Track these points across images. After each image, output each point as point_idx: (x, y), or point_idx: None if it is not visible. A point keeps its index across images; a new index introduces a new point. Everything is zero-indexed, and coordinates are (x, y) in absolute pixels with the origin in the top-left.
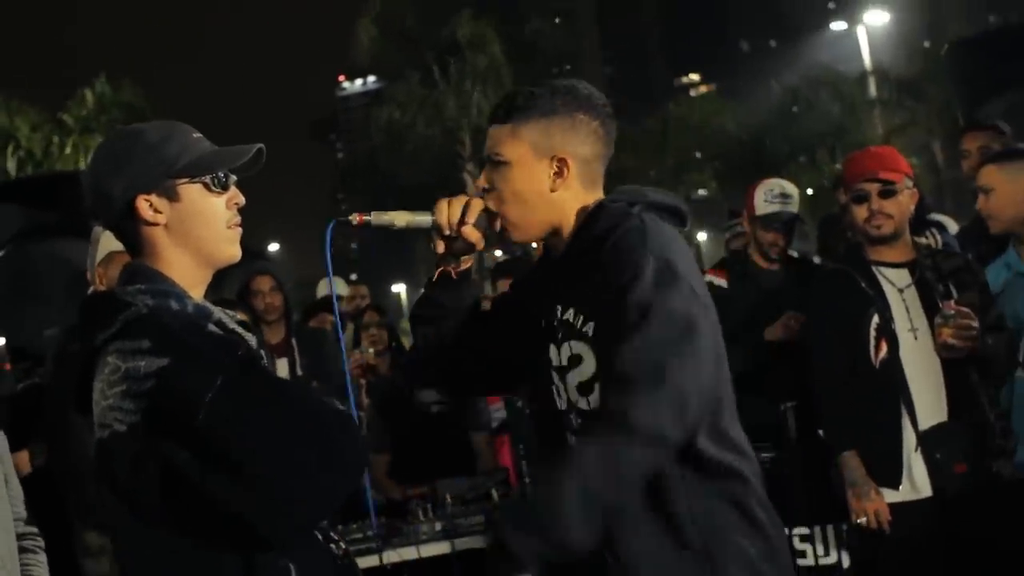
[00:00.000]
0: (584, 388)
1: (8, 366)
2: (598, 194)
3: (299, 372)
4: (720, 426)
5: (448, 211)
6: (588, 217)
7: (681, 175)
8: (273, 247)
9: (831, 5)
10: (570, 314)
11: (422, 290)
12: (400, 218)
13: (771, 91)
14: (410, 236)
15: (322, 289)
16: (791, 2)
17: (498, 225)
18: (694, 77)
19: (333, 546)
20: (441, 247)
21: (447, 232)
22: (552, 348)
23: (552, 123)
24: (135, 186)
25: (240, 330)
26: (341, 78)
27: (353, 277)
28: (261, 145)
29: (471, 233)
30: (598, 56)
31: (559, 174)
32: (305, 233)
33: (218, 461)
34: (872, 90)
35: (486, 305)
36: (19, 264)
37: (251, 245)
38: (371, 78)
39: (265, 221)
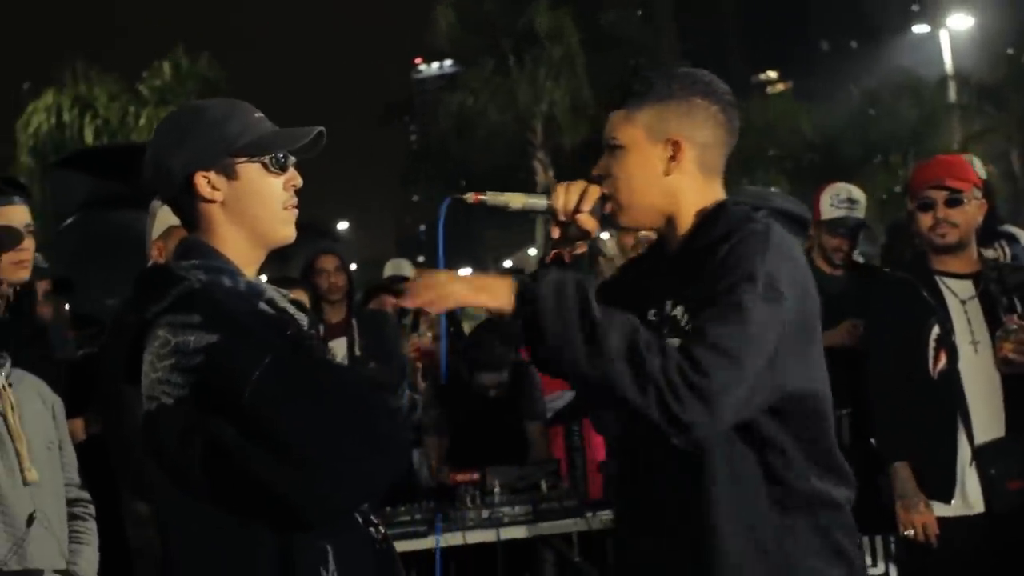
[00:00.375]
0: None
1: (72, 333)
2: (716, 184)
3: (357, 353)
4: (822, 447)
5: (565, 196)
6: (707, 217)
7: (752, 172)
8: (342, 226)
9: (914, 7)
10: (679, 311)
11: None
12: (516, 200)
13: (849, 93)
14: (479, 222)
15: (389, 269)
16: (873, 2)
17: (608, 209)
18: (771, 74)
19: (372, 530)
20: (556, 232)
21: (562, 218)
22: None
23: (667, 107)
24: (194, 162)
25: (292, 309)
26: (418, 61)
27: (420, 259)
28: (322, 128)
29: (587, 220)
30: (676, 49)
31: (673, 158)
32: (374, 214)
33: (262, 440)
34: (952, 95)
35: None
36: (87, 232)
37: (319, 223)
38: (447, 62)
39: (335, 200)
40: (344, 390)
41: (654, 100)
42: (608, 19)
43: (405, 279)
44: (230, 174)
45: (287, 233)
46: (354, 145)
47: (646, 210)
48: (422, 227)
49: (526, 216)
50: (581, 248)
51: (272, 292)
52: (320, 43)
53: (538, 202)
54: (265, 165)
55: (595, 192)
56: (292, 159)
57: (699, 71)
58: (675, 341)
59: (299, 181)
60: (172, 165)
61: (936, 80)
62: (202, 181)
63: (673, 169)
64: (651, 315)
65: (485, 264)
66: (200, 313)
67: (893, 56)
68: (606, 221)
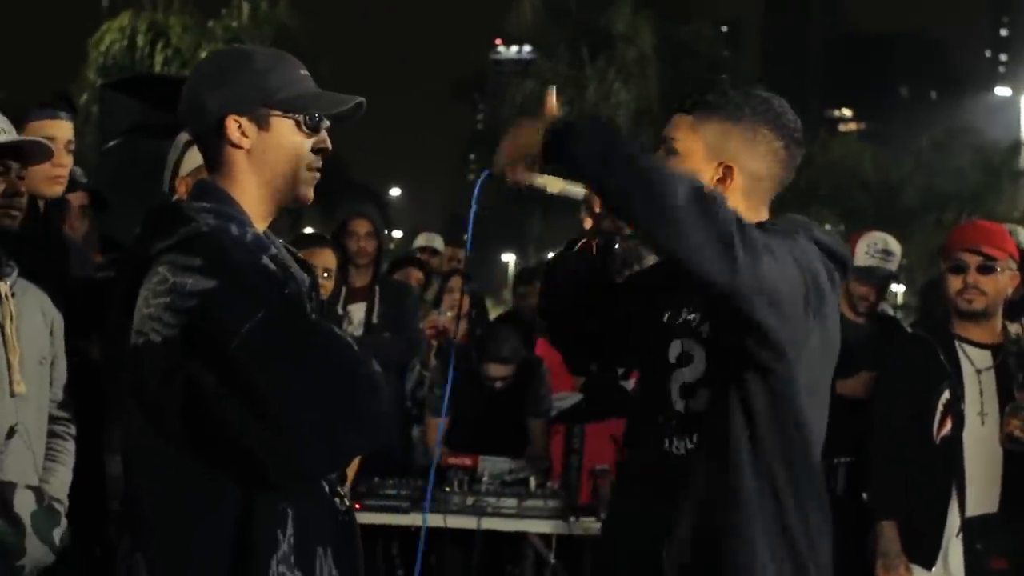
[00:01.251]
0: (686, 391)
1: (99, 256)
2: (762, 212)
3: (375, 320)
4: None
5: None
6: None
7: (806, 206)
8: (395, 192)
9: (1001, 69)
10: (694, 316)
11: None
12: (554, 184)
13: (919, 142)
14: (529, 210)
15: (420, 240)
16: (961, 58)
17: None
18: (846, 112)
19: (337, 500)
20: (588, 223)
21: (597, 209)
22: (673, 344)
23: (733, 129)
24: (229, 105)
25: (296, 269)
26: (498, 42)
27: (465, 237)
28: (362, 99)
29: None
30: (755, 71)
31: (722, 181)
32: (429, 185)
33: (241, 393)
34: (1022, 163)
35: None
36: (127, 157)
37: (373, 185)
38: (527, 48)
39: (394, 165)
40: (332, 358)
41: (723, 117)
42: (690, 29)
43: (436, 252)
44: (262, 124)
45: (306, 193)
46: (424, 116)
47: None
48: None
49: (567, 203)
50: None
51: (278, 248)
52: (408, 7)
53: (576, 190)
54: (298, 123)
55: None
56: (326, 123)
57: (775, 98)
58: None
59: (328, 145)
60: (207, 103)
61: (1008, 145)
62: (233, 124)
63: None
64: (666, 317)
65: (527, 254)
66: (202, 257)
67: (969, 114)
68: None
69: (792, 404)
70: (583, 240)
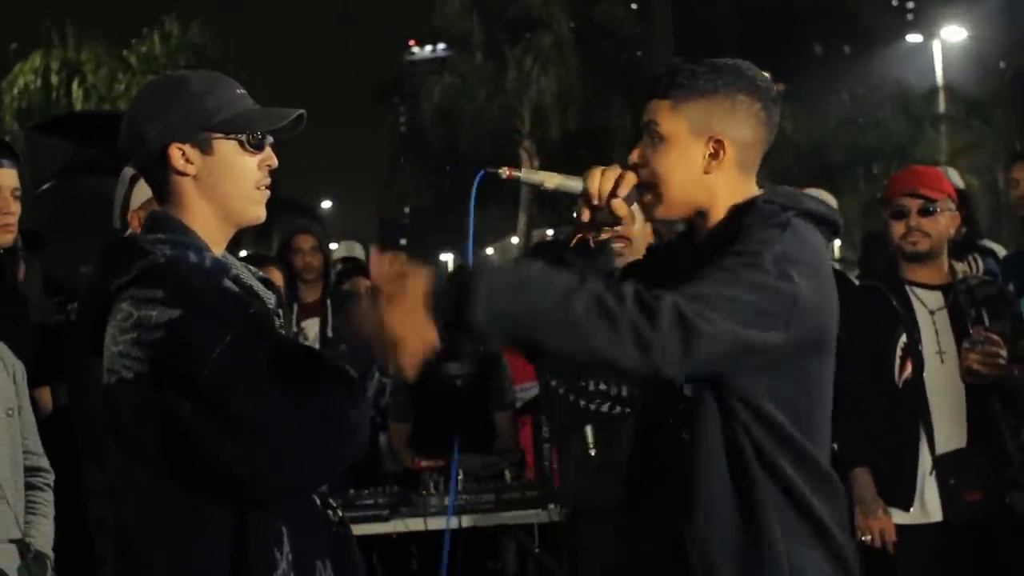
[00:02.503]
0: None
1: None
2: (751, 181)
3: (330, 334)
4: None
5: (600, 181)
6: (737, 212)
7: None
8: (326, 204)
9: (909, 17)
10: None
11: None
12: (551, 180)
13: (839, 99)
14: (464, 210)
15: (341, 251)
16: (869, 9)
17: (646, 199)
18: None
19: (330, 512)
20: (586, 215)
21: (596, 201)
22: None
23: (712, 103)
24: (170, 133)
25: (259, 287)
26: (411, 43)
27: (403, 242)
28: (302, 111)
29: (620, 207)
30: (669, 45)
31: (715, 156)
32: (359, 193)
33: (219, 418)
34: (941, 107)
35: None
36: (63, 198)
37: (304, 200)
38: (440, 45)
39: (321, 177)
40: (305, 371)
41: (699, 94)
42: (602, 10)
43: (356, 260)
44: (205, 149)
45: (258, 213)
46: (344, 124)
47: (683, 204)
48: (406, 209)
49: (504, 200)
50: (608, 234)
51: (239, 269)
52: (316, 17)
53: (573, 184)
54: (241, 143)
55: (631, 179)
56: (269, 139)
57: (742, 64)
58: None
59: (274, 162)
60: (148, 133)
61: (926, 91)
62: (176, 153)
63: (713, 168)
64: None
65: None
66: (163, 288)
67: (885, 65)
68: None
69: (782, 393)
70: (580, 235)
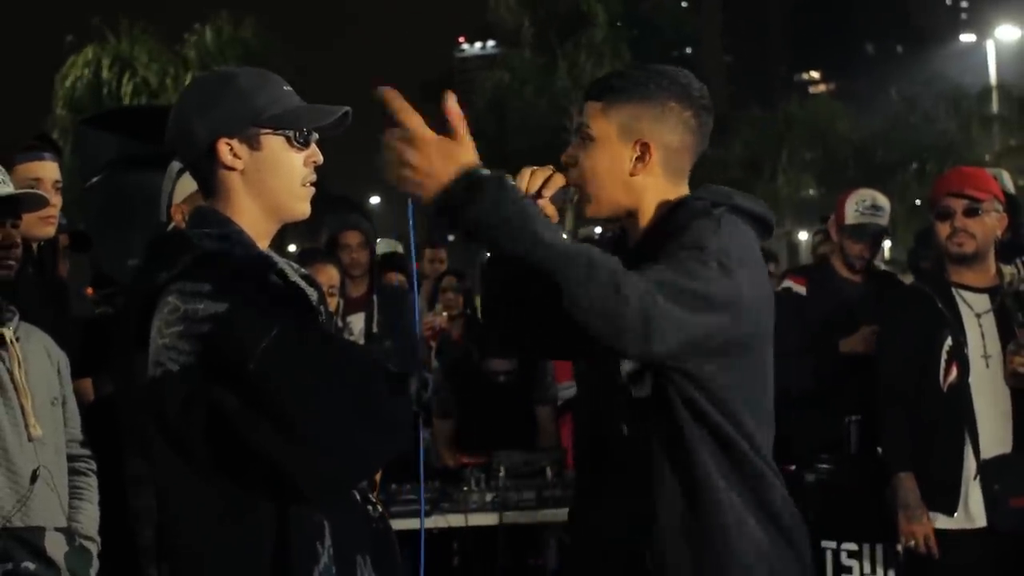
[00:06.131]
0: (634, 377)
1: (90, 290)
2: (682, 186)
3: (375, 329)
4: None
5: (529, 180)
6: (668, 212)
7: (788, 172)
8: (374, 200)
9: (963, 16)
10: None
11: None
12: None
13: (890, 98)
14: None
15: (382, 247)
16: (922, 8)
17: (575, 198)
18: (814, 75)
19: (370, 508)
20: None
21: None
22: None
23: (642, 107)
24: (219, 128)
25: (302, 283)
26: (461, 40)
27: (450, 238)
28: (348, 108)
29: (546, 206)
30: (719, 44)
31: (640, 159)
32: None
33: (264, 412)
34: (994, 107)
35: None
36: (111, 191)
37: (352, 196)
38: (490, 42)
39: (370, 174)
40: (349, 367)
41: (629, 98)
42: (650, 5)
43: (394, 256)
44: (253, 144)
45: (303, 209)
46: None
47: (610, 204)
48: None
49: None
50: None
51: (283, 265)
52: (367, 14)
53: None
54: (288, 139)
55: (559, 180)
56: (315, 136)
57: (679, 71)
58: None
59: (320, 158)
60: (196, 129)
61: (979, 91)
62: (224, 148)
63: (639, 170)
64: None
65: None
66: (210, 282)
67: (938, 64)
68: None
69: (725, 385)
70: (612, 232)
